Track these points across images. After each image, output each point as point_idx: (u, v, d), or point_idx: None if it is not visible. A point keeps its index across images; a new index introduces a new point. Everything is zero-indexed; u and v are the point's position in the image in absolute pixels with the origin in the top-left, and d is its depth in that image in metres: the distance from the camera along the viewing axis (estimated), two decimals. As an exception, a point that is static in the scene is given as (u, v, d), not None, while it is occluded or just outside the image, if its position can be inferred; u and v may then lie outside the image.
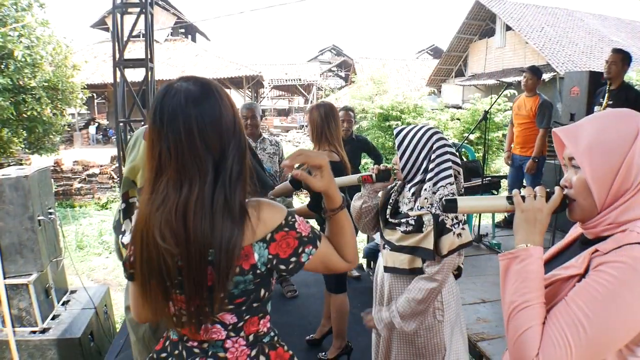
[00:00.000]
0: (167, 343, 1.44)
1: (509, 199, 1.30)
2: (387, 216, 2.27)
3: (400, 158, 2.20)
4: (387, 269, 2.27)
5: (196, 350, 1.37)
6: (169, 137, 1.20)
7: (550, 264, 1.32)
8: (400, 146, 2.20)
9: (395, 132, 2.28)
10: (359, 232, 2.68)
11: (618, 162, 1.13)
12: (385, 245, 2.26)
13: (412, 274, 2.16)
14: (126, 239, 2.11)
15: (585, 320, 1.06)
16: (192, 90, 1.23)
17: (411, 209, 2.16)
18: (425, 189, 2.10)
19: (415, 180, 2.18)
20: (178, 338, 1.40)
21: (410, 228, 2.11)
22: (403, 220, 2.16)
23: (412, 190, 2.17)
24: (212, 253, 1.21)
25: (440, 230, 2.06)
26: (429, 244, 2.06)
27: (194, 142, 1.20)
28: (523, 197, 1.27)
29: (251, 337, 1.38)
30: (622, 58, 4.76)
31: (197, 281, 1.22)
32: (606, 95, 4.86)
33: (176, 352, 1.39)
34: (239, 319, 1.34)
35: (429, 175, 2.11)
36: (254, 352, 1.39)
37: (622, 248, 1.08)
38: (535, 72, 5.65)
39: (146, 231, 1.22)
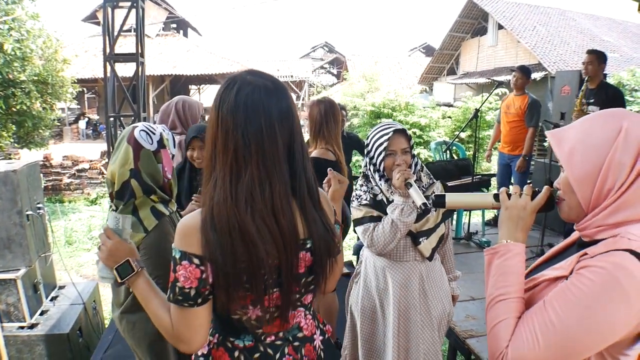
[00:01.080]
0: (237, 354, 1.36)
1: (496, 196, 1.35)
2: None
3: (412, 154, 2.40)
4: (431, 256, 2.43)
5: (278, 342, 1.38)
6: (248, 132, 1.19)
7: (546, 264, 1.35)
8: (412, 144, 2.39)
9: (406, 132, 2.39)
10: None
11: (599, 162, 1.12)
12: (421, 240, 2.38)
13: (442, 239, 2.49)
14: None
15: (556, 321, 1.07)
16: (269, 86, 1.25)
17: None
18: (419, 170, 2.43)
19: (413, 169, 2.41)
20: (254, 341, 1.36)
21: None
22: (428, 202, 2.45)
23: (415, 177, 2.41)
24: (309, 243, 1.30)
25: (447, 190, 2.43)
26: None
27: (275, 139, 1.22)
28: (509, 195, 1.30)
29: (311, 310, 1.50)
30: (597, 58, 5.01)
31: (295, 273, 1.29)
32: (580, 93, 5.05)
33: (257, 355, 1.36)
34: (313, 297, 1.45)
35: (415, 160, 2.44)
36: (316, 322, 1.51)
37: (607, 253, 1.08)
38: (525, 71, 5.78)
39: (239, 234, 1.18)
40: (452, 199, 1.45)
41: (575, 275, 1.10)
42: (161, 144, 2.05)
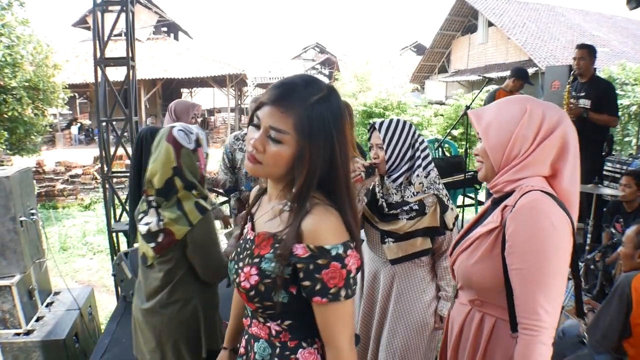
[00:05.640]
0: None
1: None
2: (385, 210, 2.34)
3: (387, 151, 2.28)
4: (394, 261, 2.34)
5: None
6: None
7: (475, 226, 1.65)
8: (386, 140, 2.28)
9: (377, 126, 2.33)
10: None
11: (508, 136, 1.46)
12: (386, 239, 2.33)
13: (423, 255, 2.33)
14: (143, 228, 2.04)
15: (525, 269, 1.35)
16: None
17: (402, 198, 2.30)
18: (418, 175, 2.28)
19: (402, 170, 2.28)
20: None
21: (414, 213, 2.27)
22: (405, 208, 2.29)
23: (400, 180, 2.28)
24: None
25: (444, 207, 2.29)
26: (437, 222, 2.28)
27: None
28: None
29: None
30: (588, 53, 5.01)
31: None
32: (567, 87, 5.11)
33: None
34: None
35: (418, 162, 2.28)
36: None
37: (520, 198, 1.40)
38: (522, 77, 5.86)
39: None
40: None
41: (509, 236, 1.39)
42: (198, 143, 2.12)
